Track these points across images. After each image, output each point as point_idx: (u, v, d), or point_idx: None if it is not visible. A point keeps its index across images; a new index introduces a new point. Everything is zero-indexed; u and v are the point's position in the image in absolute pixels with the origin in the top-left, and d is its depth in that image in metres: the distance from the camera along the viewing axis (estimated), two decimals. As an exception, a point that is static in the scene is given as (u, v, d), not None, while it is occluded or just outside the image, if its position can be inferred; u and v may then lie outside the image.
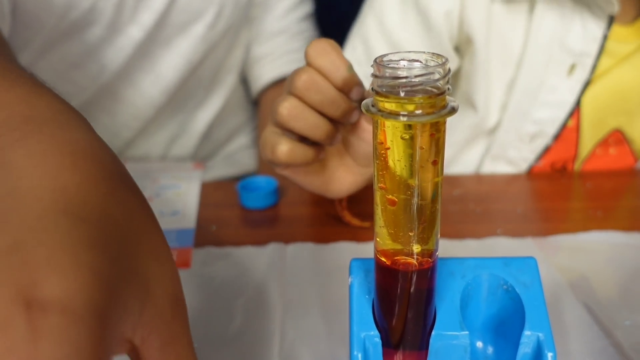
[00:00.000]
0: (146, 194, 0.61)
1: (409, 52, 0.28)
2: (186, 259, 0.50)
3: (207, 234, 0.54)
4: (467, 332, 0.32)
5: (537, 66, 0.60)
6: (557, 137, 0.64)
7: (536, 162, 0.65)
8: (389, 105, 0.26)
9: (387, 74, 0.26)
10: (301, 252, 0.50)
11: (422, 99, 0.26)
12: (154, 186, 0.64)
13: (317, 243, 0.51)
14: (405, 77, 0.26)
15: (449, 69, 0.27)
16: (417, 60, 0.27)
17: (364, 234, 0.52)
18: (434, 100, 0.26)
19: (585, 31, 0.59)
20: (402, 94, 0.26)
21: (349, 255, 0.45)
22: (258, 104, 0.88)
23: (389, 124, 0.27)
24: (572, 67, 0.60)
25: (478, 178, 0.65)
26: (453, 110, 0.27)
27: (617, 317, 0.41)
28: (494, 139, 0.65)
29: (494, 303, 0.34)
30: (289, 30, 0.84)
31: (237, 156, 0.89)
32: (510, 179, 0.63)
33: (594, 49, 0.59)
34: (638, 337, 0.39)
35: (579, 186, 0.61)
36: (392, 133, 0.27)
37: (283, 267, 0.48)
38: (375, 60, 0.27)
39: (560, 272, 0.46)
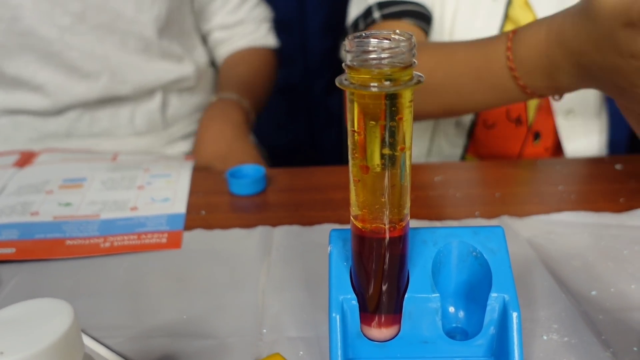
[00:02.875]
0: (138, 182, 0.63)
1: (380, 31, 0.30)
2: (177, 240, 0.52)
3: (196, 218, 0.56)
4: (438, 295, 0.34)
5: None
6: None
7: None
8: (361, 78, 0.29)
9: (358, 49, 0.28)
10: (288, 233, 0.52)
11: (390, 70, 0.28)
12: (146, 175, 0.66)
13: (303, 225, 0.54)
14: (375, 51, 0.28)
15: (414, 44, 0.29)
16: (387, 39, 0.30)
17: (348, 216, 0.54)
18: (401, 72, 0.28)
19: None
20: (373, 60, 0.28)
21: (332, 234, 0.48)
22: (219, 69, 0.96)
23: (359, 99, 0.29)
24: None
25: (459, 165, 0.68)
26: (419, 82, 0.29)
27: (585, 288, 0.43)
28: None
29: (464, 269, 0.36)
30: (244, 21, 0.94)
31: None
32: (490, 166, 0.66)
33: None
34: (603, 306, 0.41)
35: (555, 172, 0.63)
36: (363, 107, 0.29)
37: (270, 246, 0.50)
38: (347, 37, 0.29)
39: (533, 248, 0.48)
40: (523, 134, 0.75)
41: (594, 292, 0.43)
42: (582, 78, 0.48)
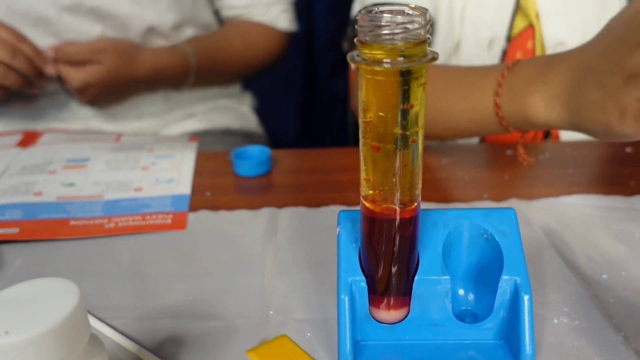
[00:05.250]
0: (142, 162, 0.63)
1: (392, 4, 0.29)
2: (182, 221, 0.51)
3: (201, 199, 0.55)
4: (448, 277, 0.34)
5: None
6: (510, 39, 0.71)
7: None
8: (373, 54, 0.28)
9: (371, 24, 0.27)
10: (294, 215, 0.52)
11: (403, 46, 0.27)
12: (150, 155, 0.65)
13: (309, 207, 0.53)
14: (388, 26, 0.27)
15: (429, 19, 0.28)
16: (399, 13, 0.29)
17: (355, 199, 0.54)
18: (415, 48, 0.27)
19: None
20: (386, 36, 0.27)
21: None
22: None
23: (371, 76, 0.28)
24: None
25: (466, 147, 0.67)
26: (433, 59, 0.28)
27: (595, 271, 0.43)
28: (460, 54, 0.72)
29: (475, 252, 0.36)
30: (253, 4, 0.91)
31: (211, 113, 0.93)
32: (498, 148, 0.65)
33: None
34: (615, 290, 0.41)
35: (564, 155, 0.62)
36: (375, 85, 0.28)
37: (276, 228, 0.50)
38: (359, 12, 0.28)
39: (543, 231, 0.48)
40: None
41: (604, 276, 0.42)
42: (566, 97, 0.44)
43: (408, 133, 0.30)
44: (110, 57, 0.74)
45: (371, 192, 0.32)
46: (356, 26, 0.29)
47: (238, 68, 0.93)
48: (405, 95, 0.29)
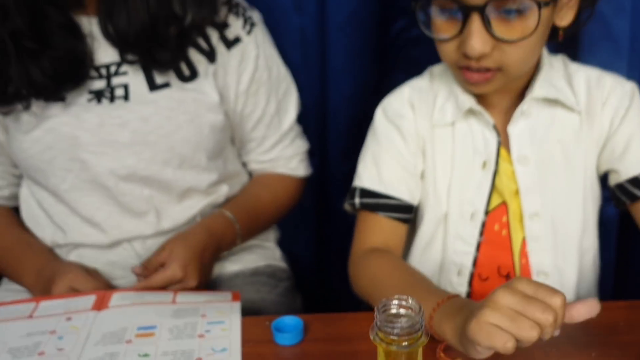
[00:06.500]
0: (198, 330, 0.78)
1: (400, 297, 0.45)
2: (238, 396, 0.66)
3: (251, 371, 0.70)
4: None
5: (462, 165, 0.86)
6: (488, 212, 0.86)
7: (480, 237, 0.87)
8: (387, 338, 0.43)
9: (385, 324, 0.43)
10: (325, 389, 0.66)
11: (406, 338, 0.43)
12: (204, 322, 0.80)
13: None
14: (396, 324, 0.43)
15: (423, 313, 0.44)
16: (405, 299, 0.44)
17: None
18: (414, 337, 0.43)
19: (485, 139, 0.85)
20: (395, 331, 0.43)
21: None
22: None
23: (387, 351, 0.44)
24: (484, 164, 0.85)
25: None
26: (425, 339, 0.44)
27: None
28: (448, 223, 0.89)
29: None
30: (277, 159, 1.09)
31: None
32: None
33: (493, 150, 0.85)
34: None
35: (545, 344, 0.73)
36: (387, 351, 0.44)
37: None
38: (377, 307, 0.44)
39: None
40: None
41: None
42: (460, 326, 0.60)
43: (411, 379, 0.45)
44: (176, 245, 0.93)
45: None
46: (375, 314, 0.44)
47: (268, 219, 1.10)
48: (409, 357, 0.44)
